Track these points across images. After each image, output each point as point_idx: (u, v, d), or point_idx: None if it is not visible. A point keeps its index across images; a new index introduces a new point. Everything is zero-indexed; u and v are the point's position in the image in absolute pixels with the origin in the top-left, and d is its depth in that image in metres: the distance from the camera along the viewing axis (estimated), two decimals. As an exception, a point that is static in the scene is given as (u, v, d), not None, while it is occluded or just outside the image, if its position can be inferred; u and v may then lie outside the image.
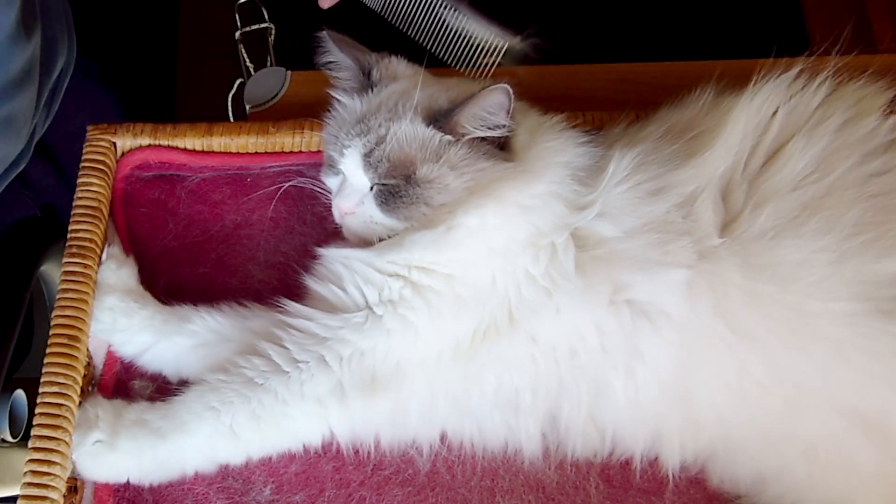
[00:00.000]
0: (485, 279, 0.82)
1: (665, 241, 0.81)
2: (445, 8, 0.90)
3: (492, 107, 0.81)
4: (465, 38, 0.89)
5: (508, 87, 0.79)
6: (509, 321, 0.81)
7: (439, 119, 0.83)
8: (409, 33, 0.92)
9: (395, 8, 0.91)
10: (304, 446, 0.84)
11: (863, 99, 0.86)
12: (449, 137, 0.82)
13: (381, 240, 0.85)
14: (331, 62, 0.90)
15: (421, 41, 0.91)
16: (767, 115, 0.85)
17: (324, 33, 0.88)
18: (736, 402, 0.81)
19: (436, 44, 0.91)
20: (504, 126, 0.82)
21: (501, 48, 0.88)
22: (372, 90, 0.87)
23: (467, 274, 0.82)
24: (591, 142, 0.87)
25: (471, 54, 0.89)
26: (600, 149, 0.86)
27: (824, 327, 0.78)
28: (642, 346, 0.81)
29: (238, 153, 1.00)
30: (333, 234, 0.90)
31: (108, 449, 0.81)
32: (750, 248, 0.80)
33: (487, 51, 0.88)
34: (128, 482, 0.83)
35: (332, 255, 0.86)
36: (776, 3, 1.93)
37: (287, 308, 0.84)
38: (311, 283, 0.86)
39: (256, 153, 1.00)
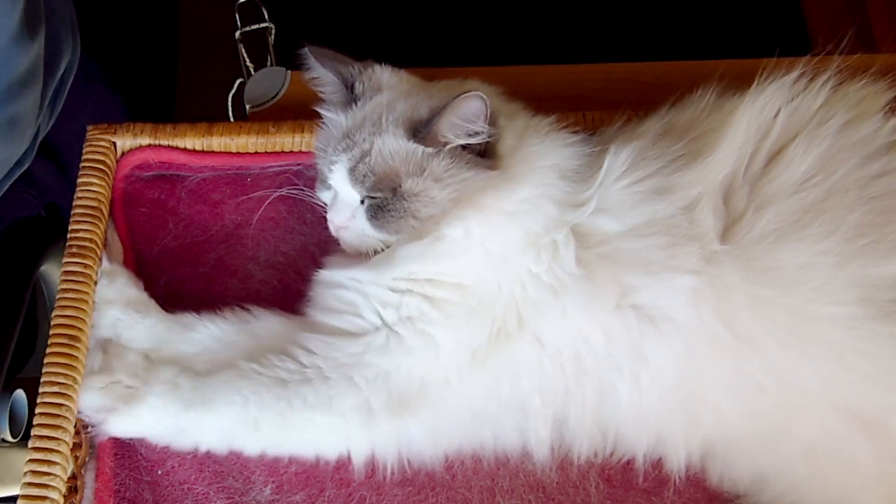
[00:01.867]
0: (490, 285, 0.82)
1: (671, 245, 0.81)
2: None
3: (467, 115, 0.80)
4: None
5: (482, 93, 0.79)
6: (518, 323, 0.82)
7: (419, 130, 0.82)
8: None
9: None
10: (316, 457, 0.84)
11: (864, 100, 0.86)
12: (430, 150, 0.82)
13: (376, 251, 0.85)
14: (314, 78, 0.90)
15: None
16: (770, 117, 0.85)
17: (305, 49, 0.88)
18: (737, 404, 0.81)
19: None
20: (483, 132, 0.82)
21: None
22: (356, 103, 0.87)
23: (473, 281, 0.82)
24: (583, 142, 0.87)
25: None
26: (592, 148, 0.86)
27: (825, 331, 0.78)
28: (647, 351, 0.81)
29: (238, 153, 1.00)
30: (333, 238, 0.90)
31: (136, 400, 0.82)
32: (751, 251, 0.80)
33: None
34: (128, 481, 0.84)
35: (333, 280, 0.86)
36: (776, 2, 1.93)
37: (309, 339, 0.84)
38: (320, 315, 0.86)
39: (256, 153, 1.00)
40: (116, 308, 0.88)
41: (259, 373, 0.82)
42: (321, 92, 0.90)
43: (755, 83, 0.86)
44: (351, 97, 0.88)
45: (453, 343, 0.81)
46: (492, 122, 0.82)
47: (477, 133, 0.82)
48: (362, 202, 0.85)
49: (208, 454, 0.84)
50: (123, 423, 0.83)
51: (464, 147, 0.83)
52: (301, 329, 0.85)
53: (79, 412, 0.83)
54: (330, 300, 0.86)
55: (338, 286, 0.86)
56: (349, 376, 0.81)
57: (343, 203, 0.86)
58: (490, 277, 0.82)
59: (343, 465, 0.86)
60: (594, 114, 0.98)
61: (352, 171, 0.84)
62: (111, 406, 0.82)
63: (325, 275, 0.87)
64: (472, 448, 0.86)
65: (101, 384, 0.83)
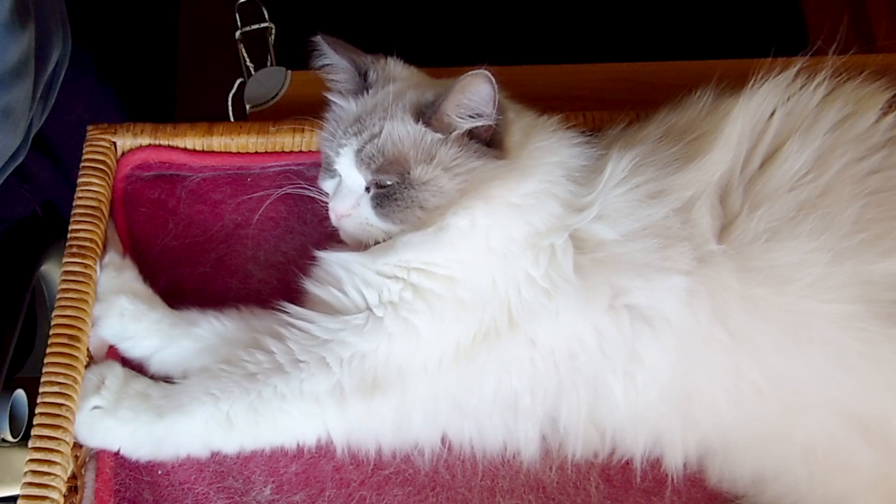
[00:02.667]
0: (485, 281, 0.82)
1: (664, 246, 0.81)
2: None
3: (473, 93, 0.80)
4: None
5: (488, 72, 0.79)
6: (509, 323, 0.82)
7: (426, 112, 0.83)
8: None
9: None
10: (298, 445, 0.84)
11: (861, 98, 0.86)
12: (439, 136, 0.83)
13: (376, 242, 0.85)
14: (327, 65, 0.90)
15: None
16: (765, 117, 0.85)
17: (318, 37, 0.88)
18: (734, 404, 0.81)
19: None
20: (488, 115, 0.82)
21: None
22: (368, 92, 0.87)
23: (467, 276, 0.82)
24: (588, 143, 0.87)
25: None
26: (596, 149, 0.86)
27: (821, 329, 0.78)
28: (641, 351, 0.81)
29: (238, 153, 1.00)
30: (332, 235, 0.91)
31: (108, 414, 0.82)
32: (745, 251, 0.80)
33: None
34: (126, 473, 0.84)
35: (329, 259, 0.87)
36: (777, 2, 1.93)
37: (288, 311, 0.84)
38: (310, 286, 0.87)
39: (256, 153, 1.00)
40: (125, 298, 0.88)
41: (227, 370, 0.82)
42: (332, 80, 0.91)
43: (750, 83, 0.86)
44: (363, 85, 0.88)
45: (435, 335, 0.81)
46: (500, 110, 0.82)
47: (482, 115, 0.82)
48: (367, 190, 0.85)
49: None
50: (100, 436, 0.83)
51: (471, 137, 0.83)
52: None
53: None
54: (319, 272, 0.87)
55: (331, 262, 0.86)
56: (321, 357, 0.81)
57: (347, 189, 0.86)
58: (486, 274, 0.82)
59: (343, 465, 0.86)
60: (595, 114, 0.99)
61: (359, 152, 0.84)
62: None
63: (322, 254, 0.88)
64: (456, 443, 0.85)
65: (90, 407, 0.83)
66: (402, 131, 0.83)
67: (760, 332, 0.79)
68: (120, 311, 0.88)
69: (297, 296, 0.89)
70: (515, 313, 0.82)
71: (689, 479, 0.86)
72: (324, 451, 0.86)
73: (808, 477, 0.81)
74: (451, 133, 0.83)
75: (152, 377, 0.88)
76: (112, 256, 0.91)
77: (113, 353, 0.90)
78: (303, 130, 0.99)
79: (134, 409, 0.82)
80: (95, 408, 0.82)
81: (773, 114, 0.85)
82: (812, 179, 0.81)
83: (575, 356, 0.82)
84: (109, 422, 0.82)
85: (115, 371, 0.85)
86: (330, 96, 0.90)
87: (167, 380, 0.87)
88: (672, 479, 0.85)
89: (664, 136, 0.86)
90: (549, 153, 0.85)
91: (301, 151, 1.00)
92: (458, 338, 0.81)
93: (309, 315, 0.83)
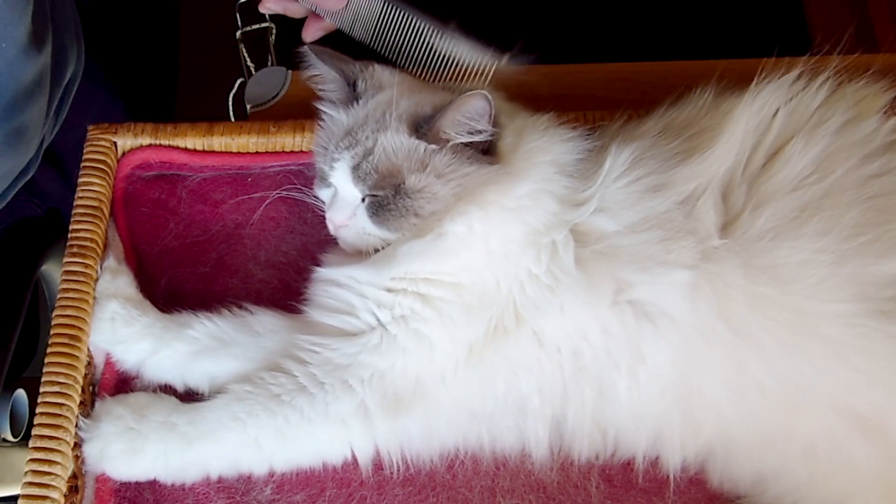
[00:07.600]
0: (489, 283, 0.82)
1: (667, 240, 0.81)
2: (432, 33, 0.90)
3: (471, 113, 0.81)
4: (453, 62, 0.89)
5: (486, 92, 0.79)
6: (516, 320, 0.82)
7: (422, 126, 0.83)
8: (396, 61, 0.91)
9: (380, 35, 0.91)
10: (323, 464, 0.84)
11: (863, 100, 0.86)
12: (433, 146, 0.83)
13: (376, 249, 0.85)
14: (315, 75, 0.90)
15: (409, 67, 0.91)
16: (768, 116, 0.85)
17: (305, 48, 0.88)
18: (736, 401, 0.81)
19: (424, 69, 0.91)
20: (486, 131, 0.82)
21: (490, 70, 0.88)
22: (358, 101, 0.87)
23: (472, 280, 0.82)
24: (582, 137, 0.87)
25: (459, 78, 0.89)
26: (592, 144, 0.86)
27: (823, 328, 0.78)
28: (644, 348, 0.81)
29: (239, 153, 1.00)
30: (332, 237, 0.90)
31: (135, 453, 0.81)
32: (750, 249, 0.80)
33: (476, 74, 0.88)
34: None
35: (331, 278, 0.86)
36: (778, 2, 1.93)
37: (304, 341, 0.84)
38: (318, 316, 0.85)
39: (257, 153, 1.00)
40: (117, 302, 0.88)
41: (252, 392, 0.82)
42: (321, 90, 0.90)
43: (754, 82, 0.86)
44: (353, 95, 0.88)
45: (448, 341, 0.81)
46: (495, 121, 0.82)
47: (480, 131, 0.82)
48: (363, 200, 0.85)
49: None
50: (129, 472, 0.83)
51: (466, 144, 0.83)
52: (296, 332, 0.85)
53: (79, 458, 0.83)
54: (327, 299, 0.86)
55: (335, 284, 0.86)
56: (344, 379, 0.81)
57: (343, 201, 0.86)
58: (489, 275, 0.82)
59: (344, 464, 0.85)
60: (594, 113, 0.98)
61: (354, 168, 0.84)
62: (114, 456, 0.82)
63: (323, 272, 0.87)
64: (470, 447, 0.86)
65: (97, 446, 0.82)
66: (396, 143, 0.83)
67: (763, 330, 0.79)
68: (111, 315, 0.88)
69: (298, 296, 0.89)
70: (521, 310, 0.82)
71: (690, 479, 0.86)
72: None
73: (809, 477, 0.81)
74: (446, 145, 0.83)
75: (148, 385, 0.88)
76: (110, 261, 0.91)
77: (110, 370, 0.89)
78: (303, 130, 0.99)
79: (161, 442, 0.81)
80: (124, 445, 0.82)
81: (775, 113, 0.85)
82: (815, 181, 0.81)
83: (580, 355, 0.82)
84: (139, 459, 0.81)
85: (127, 404, 0.84)
86: (320, 106, 0.90)
87: (166, 390, 0.88)
88: (673, 480, 0.85)
89: (664, 132, 0.86)
90: (541, 152, 0.85)
91: (302, 151, 1.00)
92: (469, 340, 0.81)
93: (326, 342, 0.83)
